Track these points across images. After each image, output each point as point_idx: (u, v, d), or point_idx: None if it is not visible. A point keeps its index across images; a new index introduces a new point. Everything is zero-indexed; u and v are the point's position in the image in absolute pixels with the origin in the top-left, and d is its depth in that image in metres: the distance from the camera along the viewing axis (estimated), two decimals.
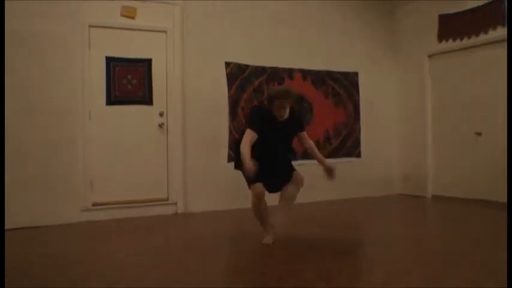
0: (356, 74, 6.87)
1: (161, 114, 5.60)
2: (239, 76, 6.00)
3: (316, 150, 4.02)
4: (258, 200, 3.73)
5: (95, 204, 5.23)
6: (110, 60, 5.38)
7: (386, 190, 6.98)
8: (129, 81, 5.48)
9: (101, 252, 3.81)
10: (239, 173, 3.81)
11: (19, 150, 4.85)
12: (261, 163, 3.66)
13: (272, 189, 3.87)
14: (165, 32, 5.65)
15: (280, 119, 3.74)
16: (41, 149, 4.97)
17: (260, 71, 6.14)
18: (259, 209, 3.78)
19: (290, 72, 6.36)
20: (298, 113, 4.07)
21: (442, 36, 6.38)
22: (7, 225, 4.40)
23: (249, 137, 3.64)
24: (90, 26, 5.27)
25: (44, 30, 5.01)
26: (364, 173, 6.82)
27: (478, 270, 3.07)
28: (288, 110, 3.75)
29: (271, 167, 3.75)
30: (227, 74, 5.93)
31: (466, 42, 6.07)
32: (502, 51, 5.43)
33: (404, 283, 2.79)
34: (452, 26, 6.21)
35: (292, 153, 4.14)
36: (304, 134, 3.99)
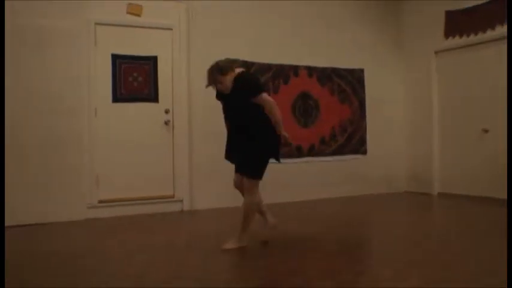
0: (362, 70, 6.84)
1: (167, 112, 5.62)
2: None
3: (275, 111, 3.52)
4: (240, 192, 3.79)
5: (101, 202, 5.26)
6: (115, 57, 5.40)
7: (392, 187, 6.96)
8: (135, 79, 5.50)
9: (104, 250, 3.83)
10: None
11: (25, 148, 4.88)
12: (228, 142, 3.85)
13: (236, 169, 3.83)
14: (170, 29, 5.65)
15: (227, 92, 3.64)
16: (46, 147, 5.00)
17: (266, 68, 6.13)
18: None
19: (296, 69, 6.35)
20: (242, 77, 3.61)
21: (449, 32, 6.34)
22: (12, 222, 4.46)
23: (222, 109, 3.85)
24: (96, 24, 5.29)
25: (49, 28, 5.03)
26: (370, 170, 6.79)
27: (479, 268, 3.05)
28: (227, 81, 3.56)
29: (233, 144, 3.80)
30: None
31: (472, 38, 6.03)
32: None
33: (405, 281, 2.79)
34: (459, 23, 6.17)
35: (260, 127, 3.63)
36: (261, 96, 3.52)
